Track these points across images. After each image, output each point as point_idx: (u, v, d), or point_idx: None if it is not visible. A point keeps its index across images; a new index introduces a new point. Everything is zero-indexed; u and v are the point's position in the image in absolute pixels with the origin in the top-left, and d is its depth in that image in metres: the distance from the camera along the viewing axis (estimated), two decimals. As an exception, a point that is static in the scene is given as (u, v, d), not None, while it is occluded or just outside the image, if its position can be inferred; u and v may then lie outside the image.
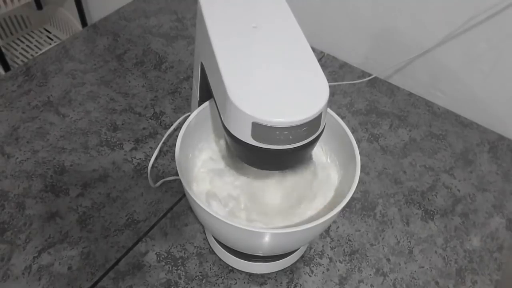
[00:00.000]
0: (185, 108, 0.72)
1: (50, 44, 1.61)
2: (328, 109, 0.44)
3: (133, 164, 0.63)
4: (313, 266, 0.55)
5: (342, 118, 0.69)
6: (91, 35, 0.83)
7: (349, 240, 0.58)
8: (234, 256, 0.52)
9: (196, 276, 0.52)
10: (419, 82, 0.81)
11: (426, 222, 0.61)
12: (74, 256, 0.53)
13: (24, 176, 0.60)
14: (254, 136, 0.34)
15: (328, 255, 0.56)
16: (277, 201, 0.47)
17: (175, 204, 0.59)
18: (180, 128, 0.44)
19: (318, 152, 0.51)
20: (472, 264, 0.57)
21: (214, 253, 0.54)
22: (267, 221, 0.45)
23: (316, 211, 0.46)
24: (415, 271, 0.56)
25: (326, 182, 0.48)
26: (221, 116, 0.37)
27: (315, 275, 0.54)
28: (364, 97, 0.77)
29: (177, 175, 0.43)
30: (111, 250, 0.54)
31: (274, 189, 0.48)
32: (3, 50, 1.33)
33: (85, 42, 0.82)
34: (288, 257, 0.53)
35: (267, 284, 0.53)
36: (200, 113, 0.47)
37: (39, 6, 1.60)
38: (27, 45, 1.60)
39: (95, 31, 0.84)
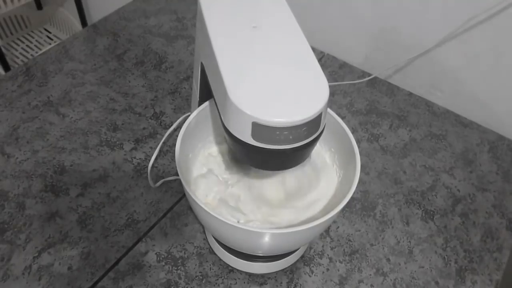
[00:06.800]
0: (185, 108, 0.72)
1: (50, 44, 1.61)
2: (328, 109, 0.44)
3: (133, 164, 0.63)
4: (313, 266, 0.55)
5: (342, 118, 0.69)
6: (91, 35, 0.83)
7: (349, 240, 0.58)
8: (234, 256, 0.52)
9: (196, 276, 0.52)
10: (419, 82, 0.81)
11: (426, 222, 0.61)
12: (74, 256, 0.53)
13: (24, 176, 0.60)
14: (254, 136, 0.34)
15: (328, 255, 0.56)
16: (277, 201, 0.47)
17: (175, 204, 0.59)
18: (180, 128, 0.44)
19: (318, 152, 0.51)
20: (472, 264, 0.57)
21: (214, 253, 0.54)
22: (267, 221, 0.45)
23: (316, 211, 0.46)
24: (415, 271, 0.56)
25: (326, 182, 0.48)
26: (221, 116, 0.37)
27: (315, 275, 0.54)
28: (364, 97, 0.77)
29: (177, 175, 0.43)
30: (111, 250, 0.54)
31: (274, 188, 0.48)
32: (3, 50, 1.33)
33: (85, 42, 0.82)
34: (288, 257, 0.53)
35: (267, 284, 0.53)
36: (200, 113, 0.47)
37: (39, 6, 1.60)
38: (27, 45, 1.60)
39: (95, 31, 0.84)
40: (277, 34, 0.40)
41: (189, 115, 0.46)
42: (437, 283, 0.55)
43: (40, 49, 1.58)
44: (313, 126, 0.35)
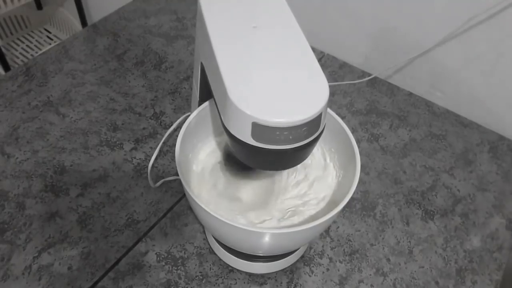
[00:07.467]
0: (185, 108, 0.72)
1: (50, 44, 1.61)
2: (328, 109, 0.44)
3: (133, 164, 0.63)
4: (313, 266, 0.55)
5: (342, 118, 0.69)
6: (91, 35, 0.83)
7: (349, 240, 0.58)
8: (234, 256, 0.52)
9: (196, 276, 0.52)
10: (419, 82, 0.81)
11: (426, 222, 0.61)
12: (74, 256, 0.53)
13: (24, 176, 0.60)
14: (254, 136, 0.34)
15: (328, 255, 0.56)
16: (277, 200, 0.47)
17: (175, 204, 0.59)
18: (180, 128, 0.44)
19: (318, 152, 0.51)
20: (472, 264, 0.57)
21: (214, 253, 0.54)
22: (267, 220, 0.45)
23: (316, 211, 0.46)
24: (415, 271, 0.56)
25: (326, 182, 0.48)
26: (221, 116, 0.37)
27: (315, 275, 0.54)
28: (364, 97, 0.77)
29: (177, 175, 0.43)
30: (111, 250, 0.54)
31: (273, 188, 0.48)
32: (3, 50, 1.33)
33: (85, 42, 0.82)
34: (288, 257, 0.53)
35: (267, 284, 0.53)
36: (200, 113, 0.47)
37: (39, 6, 1.60)
38: (27, 45, 1.60)
39: (95, 31, 0.84)
40: (277, 34, 0.40)
41: (189, 115, 0.46)
42: (437, 283, 0.55)
43: (40, 49, 1.58)
44: (313, 126, 0.35)
